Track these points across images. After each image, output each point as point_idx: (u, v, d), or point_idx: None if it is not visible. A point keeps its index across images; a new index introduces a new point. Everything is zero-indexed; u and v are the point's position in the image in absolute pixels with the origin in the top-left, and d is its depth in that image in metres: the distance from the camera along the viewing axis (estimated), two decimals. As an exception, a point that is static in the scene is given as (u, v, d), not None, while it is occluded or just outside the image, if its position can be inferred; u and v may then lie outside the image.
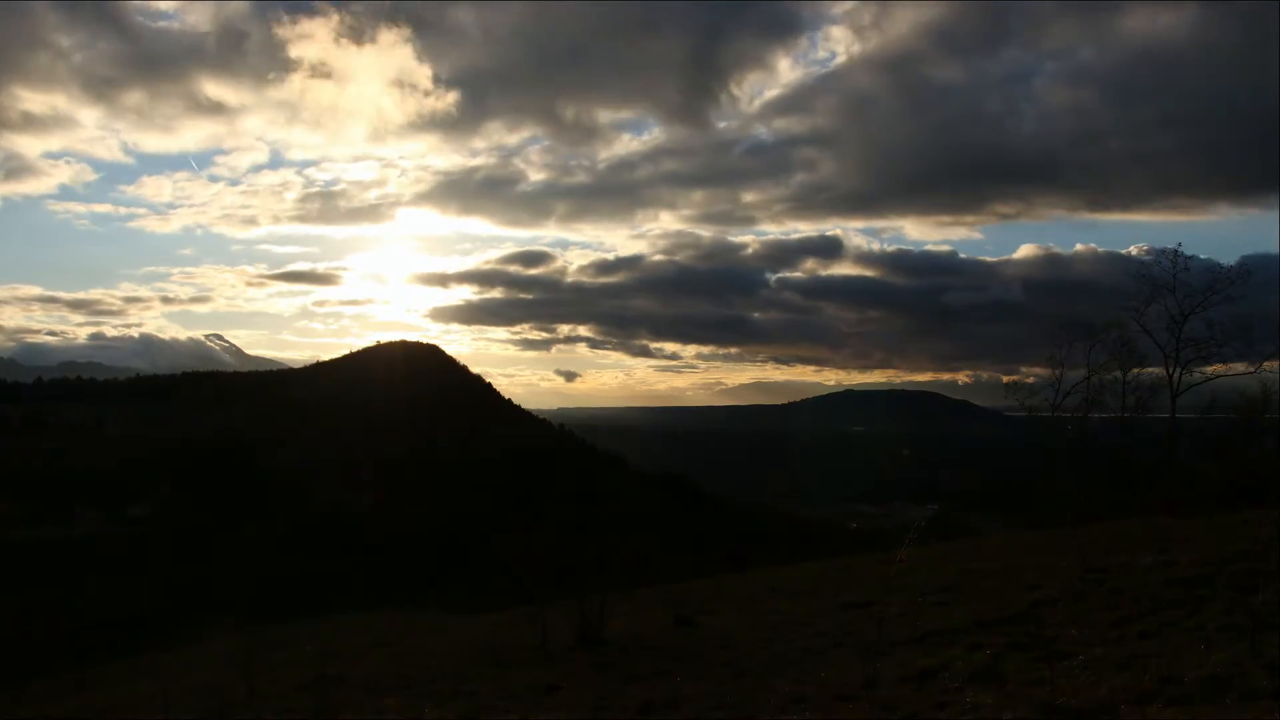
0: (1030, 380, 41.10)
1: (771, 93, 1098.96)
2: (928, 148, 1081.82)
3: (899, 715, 6.51)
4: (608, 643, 12.12)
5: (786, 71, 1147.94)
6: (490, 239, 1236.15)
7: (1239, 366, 35.38)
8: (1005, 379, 42.20)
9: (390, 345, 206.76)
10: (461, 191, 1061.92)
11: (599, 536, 14.79)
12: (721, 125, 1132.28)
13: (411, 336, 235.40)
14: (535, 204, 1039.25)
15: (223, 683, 13.51)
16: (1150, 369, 37.48)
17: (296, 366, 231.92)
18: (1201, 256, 36.89)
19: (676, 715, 7.59)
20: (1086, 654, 7.59)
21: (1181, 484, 35.70)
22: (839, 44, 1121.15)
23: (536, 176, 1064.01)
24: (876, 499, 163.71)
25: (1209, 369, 35.60)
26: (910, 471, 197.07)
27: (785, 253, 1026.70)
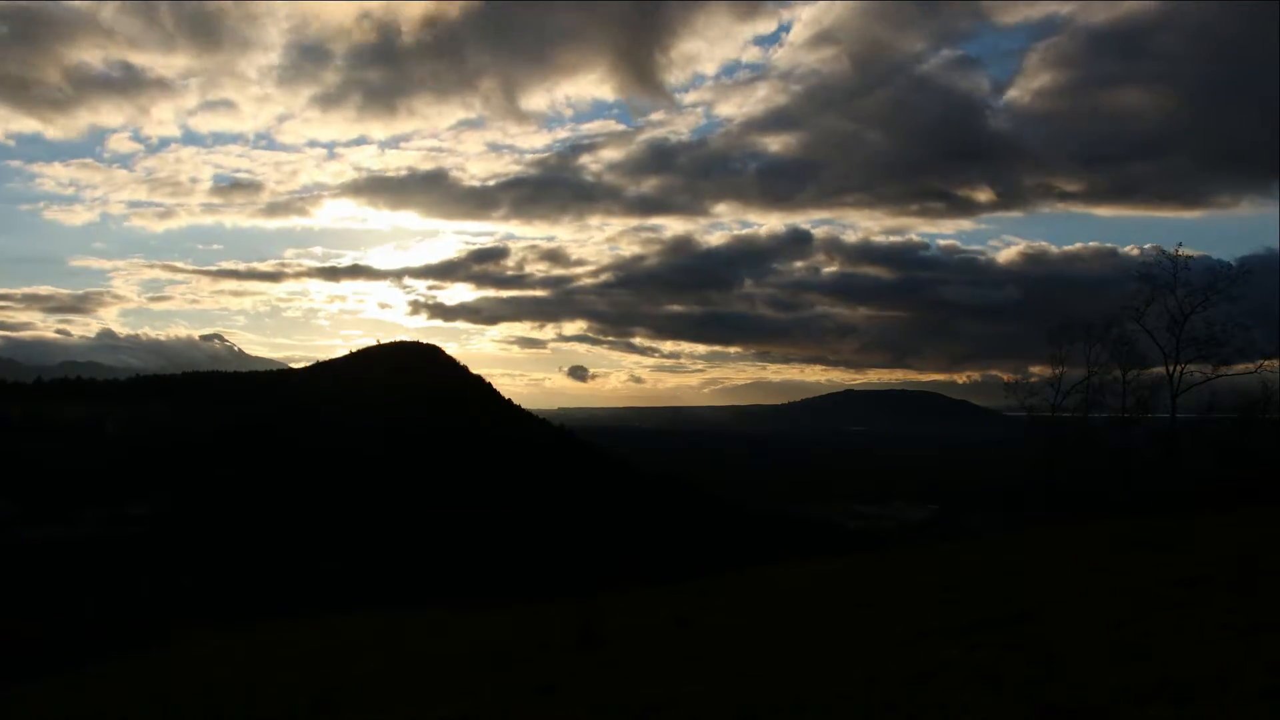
0: (1032, 380, 41.12)
1: (732, 77, 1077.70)
2: (912, 137, 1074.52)
3: (899, 715, 6.51)
4: (608, 642, 12.12)
5: (750, 51, 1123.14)
6: (428, 232, 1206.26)
7: (1239, 366, 35.32)
8: (1005, 379, 42.16)
9: (390, 345, 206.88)
10: (393, 183, 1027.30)
11: (599, 536, 14.80)
12: (681, 109, 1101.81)
13: (394, 336, 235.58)
14: (478, 196, 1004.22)
15: (222, 683, 13.51)
16: (1151, 369, 37.48)
17: (295, 366, 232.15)
18: (1195, 255, 36.84)
19: (676, 715, 7.58)
20: (1086, 654, 7.59)
21: (1181, 484, 35.72)
22: (806, 22, 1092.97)
23: (475, 166, 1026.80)
24: (876, 499, 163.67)
25: (1209, 369, 35.57)
26: (910, 471, 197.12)
27: (757, 248, 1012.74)
